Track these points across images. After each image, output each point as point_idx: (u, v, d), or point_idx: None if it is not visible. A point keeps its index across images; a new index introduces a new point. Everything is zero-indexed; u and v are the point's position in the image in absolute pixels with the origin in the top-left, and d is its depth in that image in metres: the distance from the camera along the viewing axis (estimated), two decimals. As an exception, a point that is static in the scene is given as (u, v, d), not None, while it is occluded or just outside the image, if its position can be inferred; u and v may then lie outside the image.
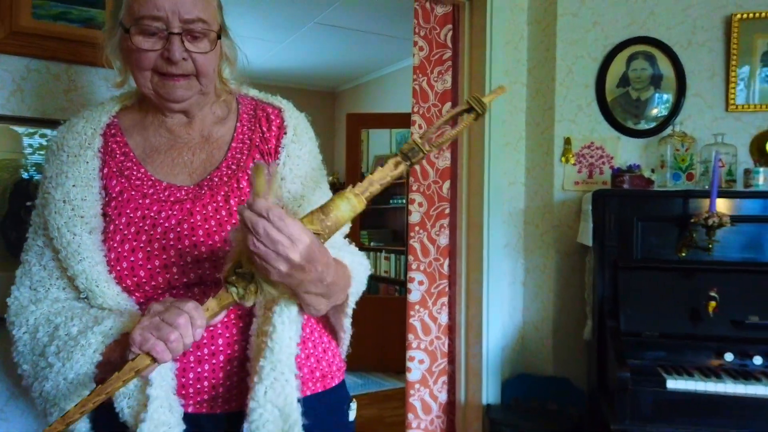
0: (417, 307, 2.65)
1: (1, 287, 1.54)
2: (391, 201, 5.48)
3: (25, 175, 1.61)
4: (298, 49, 5.00)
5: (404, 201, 5.17)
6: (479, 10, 2.55)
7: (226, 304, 0.88)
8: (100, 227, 1.01)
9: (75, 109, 1.68)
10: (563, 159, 2.46)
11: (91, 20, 1.66)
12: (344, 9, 4.09)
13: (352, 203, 0.88)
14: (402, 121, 4.80)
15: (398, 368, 4.39)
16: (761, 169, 2.12)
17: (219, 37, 1.04)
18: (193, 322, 0.85)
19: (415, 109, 2.61)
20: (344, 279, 1.02)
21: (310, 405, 0.99)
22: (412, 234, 2.67)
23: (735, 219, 1.98)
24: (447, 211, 2.66)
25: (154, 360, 0.84)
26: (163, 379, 0.93)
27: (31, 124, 1.62)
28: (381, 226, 5.63)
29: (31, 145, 1.62)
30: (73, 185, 1.01)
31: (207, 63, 1.02)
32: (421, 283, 2.65)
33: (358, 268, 1.08)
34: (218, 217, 1.02)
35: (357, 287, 1.07)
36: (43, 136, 1.63)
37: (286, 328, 0.95)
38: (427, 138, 0.92)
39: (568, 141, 2.45)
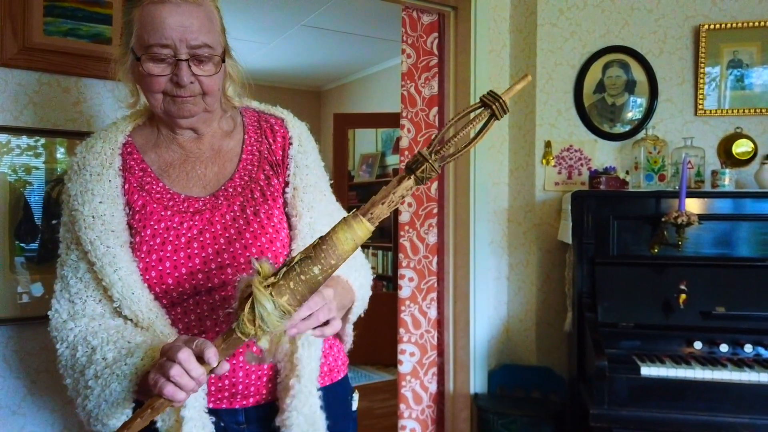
0: (407, 302, 2.69)
1: (16, 289, 1.62)
2: (377, 198, 5.51)
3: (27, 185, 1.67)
4: (284, 50, 4.99)
5: (390, 199, 5.22)
6: (464, 20, 2.61)
7: (237, 345, 0.88)
8: (128, 240, 1.05)
9: (84, 121, 1.74)
10: (544, 161, 2.53)
11: (99, 36, 1.70)
12: (330, 12, 4.10)
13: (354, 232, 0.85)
14: (388, 120, 4.79)
15: (387, 361, 4.39)
16: (727, 171, 2.21)
17: (224, 60, 1.08)
18: (189, 371, 0.85)
19: (404, 114, 2.67)
20: (347, 300, 1.12)
21: (320, 396, 1.08)
22: (402, 233, 2.70)
23: (703, 217, 2.08)
24: (435, 210, 2.71)
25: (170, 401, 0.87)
26: (196, 400, 0.99)
27: (44, 135, 1.66)
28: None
29: (19, 146, 1.64)
30: (100, 202, 1.05)
31: (212, 84, 1.06)
32: (411, 279, 2.70)
33: (362, 291, 1.18)
34: (237, 225, 1.07)
35: (359, 305, 1.18)
36: (31, 137, 1.65)
37: (311, 353, 1.06)
38: (434, 149, 0.82)
39: (548, 144, 2.53)
